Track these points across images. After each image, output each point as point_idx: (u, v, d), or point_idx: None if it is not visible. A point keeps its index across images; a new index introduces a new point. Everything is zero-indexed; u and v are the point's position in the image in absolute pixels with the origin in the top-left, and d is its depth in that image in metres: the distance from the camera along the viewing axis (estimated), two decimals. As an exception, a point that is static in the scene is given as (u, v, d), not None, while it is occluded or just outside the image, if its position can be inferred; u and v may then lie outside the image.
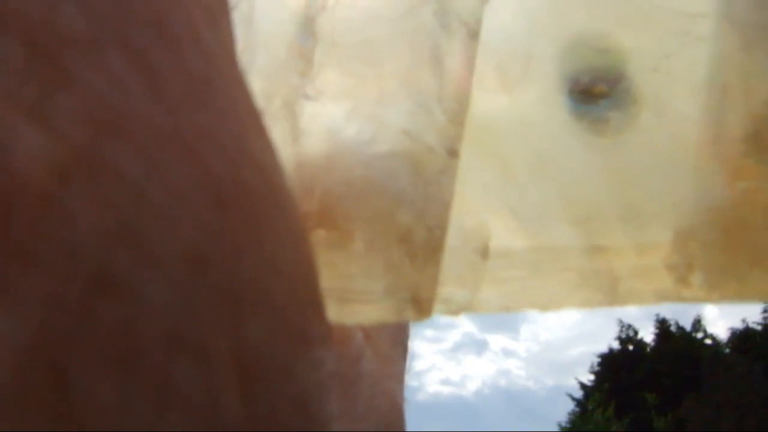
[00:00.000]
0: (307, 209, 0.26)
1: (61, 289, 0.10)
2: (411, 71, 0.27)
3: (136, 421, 0.11)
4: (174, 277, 0.12)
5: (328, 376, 0.16)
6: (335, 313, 0.25)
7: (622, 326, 18.15)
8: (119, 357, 0.11)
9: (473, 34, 0.27)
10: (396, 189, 0.26)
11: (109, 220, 0.11)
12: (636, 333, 18.14)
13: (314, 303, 0.16)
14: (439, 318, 0.26)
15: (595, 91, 0.27)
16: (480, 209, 0.27)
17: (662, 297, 0.26)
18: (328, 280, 0.24)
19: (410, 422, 0.32)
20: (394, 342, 0.33)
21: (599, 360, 17.81)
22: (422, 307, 0.26)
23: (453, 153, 0.26)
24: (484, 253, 0.27)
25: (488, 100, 0.27)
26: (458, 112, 0.26)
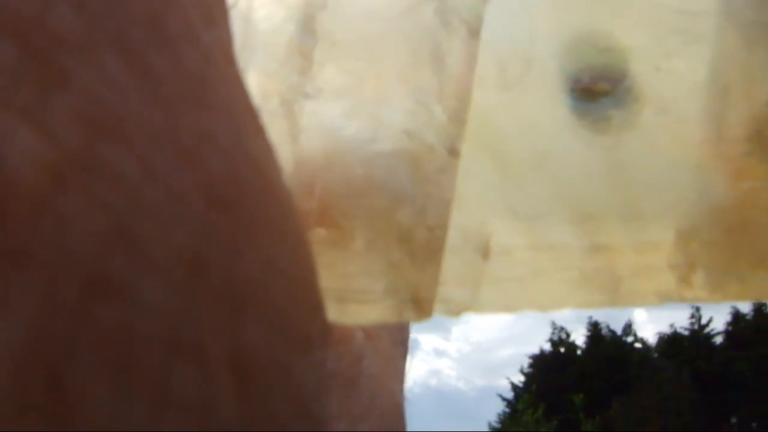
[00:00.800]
0: (306, 208, 0.26)
1: (57, 291, 0.10)
2: (411, 69, 0.26)
3: (133, 424, 0.11)
4: (171, 279, 0.12)
5: (327, 376, 0.16)
6: (335, 313, 0.25)
7: (555, 328, 18.63)
8: (116, 360, 0.11)
9: (474, 33, 0.27)
10: (396, 188, 0.26)
11: (105, 222, 0.11)
12: (568, 335, 18.64)
13: (313, 304, 0.16)
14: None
15: (597, 89, 0.27)
16: (481, 208, 0.27)
17: (664, 297, 0.26)
18: (327, 279, 0.24)
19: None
20: (395, 341, 0.33)
21: (530, 361, 18.25)
22: (422, 307, 0.26)
23: (453, 152, 0.26)
24: (485, 252, 0.27)
25: (489, 99, 0.27)
26: (459, 110, 0.26)
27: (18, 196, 0.10)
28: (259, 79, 0.27)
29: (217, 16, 0.16)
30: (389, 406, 0.31)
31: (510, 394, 16.86)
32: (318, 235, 0.26)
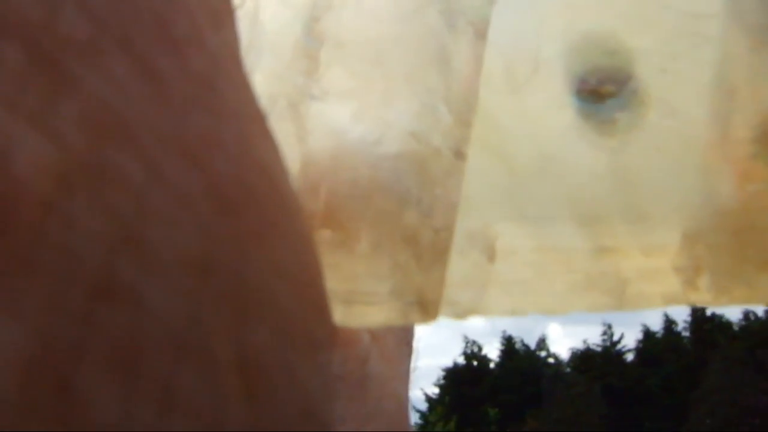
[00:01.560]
0: (312, 209, 0.26)
1: (64, 295, 0.10)
2: (417, 71, 0.26)
3: (141, 427, 0.11)
4: (178, 283, 0.12)
5: (333, 379, 0.16)
6: (341, 315, 0.25)
7: (467, 342, 18.89)
8: (123, 364, 0.11)
9: (480, 35, 0.27)
10: (402, 190, 0.26)
11: (112, 226, 0.11)
12: (480, 349, 19.05)
13: (319, 306, 0.16)
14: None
15: (603, 91, 0.27)
16: (487, 210, 0.27)
17: (670, 300, 0.26)
18: (333, 281, 0.24)
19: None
20: (400, 342, 0.33)
21: (444, 373, 18.47)
22: (428, 310, 0.26)
23: (460, 154, 0.26)
24: (491, 254, 0.27)
25: (495, 101, 0.27)
26: (465, 112, 0.26)
27: (25, 200, 0.10)
28: (266, 80, 0.27)
29: (223, 19, 0.16)
30: (395, 408, 0.31)
31: (424, 405, 17.05)
32: (324, 236, 0.26)
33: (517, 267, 0.27)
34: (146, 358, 0.11)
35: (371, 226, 0.26)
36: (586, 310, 0.26)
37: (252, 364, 0.13)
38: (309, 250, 0.16)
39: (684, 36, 0.26)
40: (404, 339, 0.34)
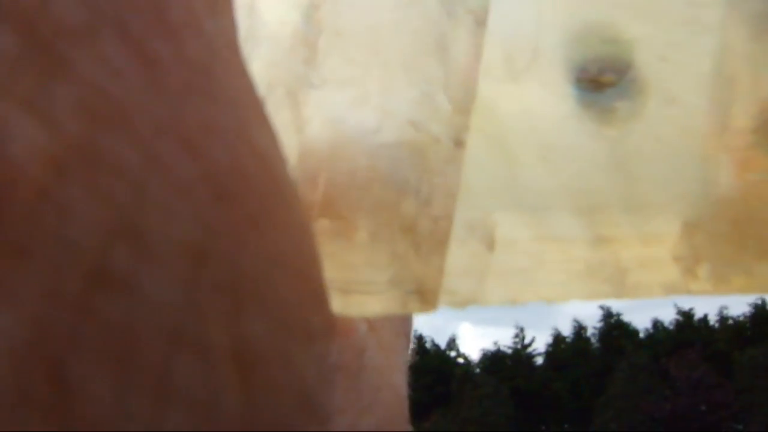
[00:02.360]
0: (310, 199, 0.26)
1: (59, 283, 0.10)
2: (416, 60, 0.26)
3: (136, 417, 0.11)
4: (174, 271, 0.12)
5: (331, 369, 0.16)
6: (339, 304, 0.25)
7: None
8: (118, 353, 0.11)
9: (480, 23, 0.26)
10: (401, 179, 0.26)
11: (108, 213, 0.11)
12: None
13: (317, 296, 0.16)
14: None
15: (603, 80, 0.27)
16: (486, 199, 0.27)
17: (670, 289, 0.26)
18: (331, 270, 0.24)
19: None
20: (397, 332, 0.33)
21: None
22: (427, 299, 0.26)
23: (459, 143, 0.26)
24: (490, 243, 0.27)
25: (495, 90, 0.27)
26: (464, 101, 0.26)
27: (19, 186, 0.10)
28: (264, 69, 0.27)
29: (221, 5, 0.16)
30: (393, 399, 0.31)
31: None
32: (322, 226, 0.25)
33: (516, 256, 0.27)
34: (141, 347, 0.11)
35: (370, 216, 0.26)
36: (586, 299, 0.26)
37: (248, 353, 0.13)
38: (307, 239, 0.16)
39: (684, 24, 0.26)
40: (401, 330, 0.33)
